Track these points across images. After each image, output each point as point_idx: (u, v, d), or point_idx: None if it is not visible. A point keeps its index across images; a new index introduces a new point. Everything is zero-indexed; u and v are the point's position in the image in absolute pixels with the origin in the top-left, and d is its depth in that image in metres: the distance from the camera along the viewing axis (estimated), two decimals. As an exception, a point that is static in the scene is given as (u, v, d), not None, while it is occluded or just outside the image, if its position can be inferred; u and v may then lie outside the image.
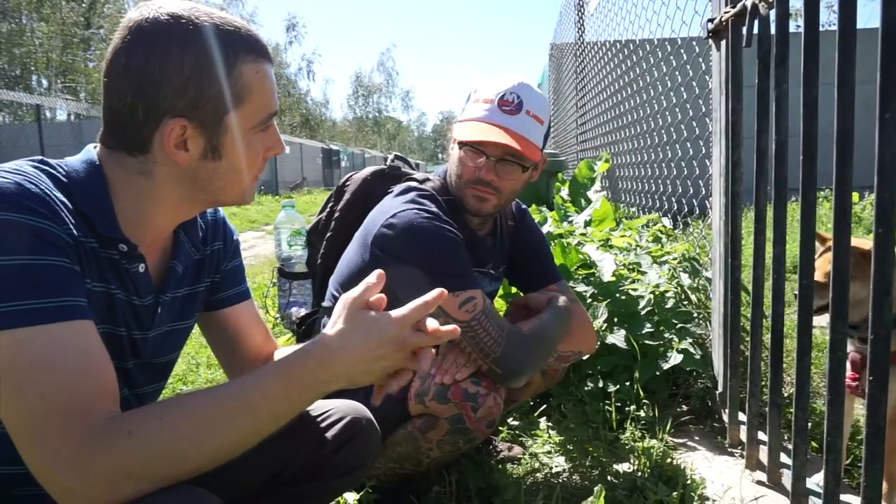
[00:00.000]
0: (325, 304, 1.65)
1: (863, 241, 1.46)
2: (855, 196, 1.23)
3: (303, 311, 1.86)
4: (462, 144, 1.52)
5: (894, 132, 1.04)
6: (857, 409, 1.94)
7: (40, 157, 0.91)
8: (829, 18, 11.27)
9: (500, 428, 2.02)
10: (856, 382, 1.55)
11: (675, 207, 3.16)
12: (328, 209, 1.83)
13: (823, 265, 1.53)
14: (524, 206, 1.86)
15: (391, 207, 1.48)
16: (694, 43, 2.54)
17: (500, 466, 1.84)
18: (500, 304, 2.29)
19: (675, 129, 3.00)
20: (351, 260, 1.57)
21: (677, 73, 2.87)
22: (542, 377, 1.77)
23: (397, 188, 1.58)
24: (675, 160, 3.14)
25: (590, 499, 1.29)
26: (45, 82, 28.99)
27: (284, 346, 1.26)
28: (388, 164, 1.81)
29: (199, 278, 1.10)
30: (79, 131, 15.77)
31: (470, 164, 1.51)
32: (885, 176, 1.07)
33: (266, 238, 8.84)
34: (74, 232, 0.84)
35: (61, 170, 0.89)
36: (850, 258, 1.23)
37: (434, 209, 1.47)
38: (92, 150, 0.94)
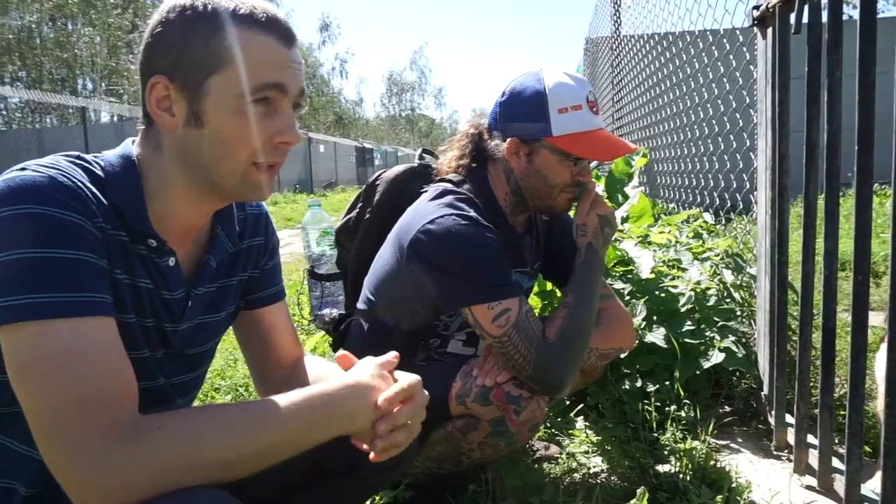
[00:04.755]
0: (360, 306, 1.64)
1: None
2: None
3: (335, 313, 1.85)
4: (578, 159, 1.48)
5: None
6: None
7: (77, 153, 0.91)
8: (883, 6, 10.85)
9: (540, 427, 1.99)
10: None
11: (717, 202, 3.08)
12: (358, 209, 1.81)
13: None
14: None
15: (428, 212, 1.44)
16: (738, 32, 2.46)
17: (536, 466, 1.81)
18: (534, 301, 2.25)
19: (718, 122, 2.91)
20: (385, 263, 1.56)
21: (719, 63, 2.79)
22: (581, 375, 1.72)
23: (432, 189, 1.54)
24: (716, 154, 3.05)
25: (632, 501, 1.25)
26: (90, 85, 29.86)
27: (311, 355, 1.25)
28: (417, 161, 1.78)
29: (234, 271, 1.09)
30: (122, 132, 16.21)
31: (571, 170, 1.49)
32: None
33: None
34: (104, 225, 0.84)
35: (97, 164, 0.90)
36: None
37: (472, 214, 1.43)
38: (129, 144, 0.95)
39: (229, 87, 0.86)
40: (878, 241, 4.03)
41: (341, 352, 1.04)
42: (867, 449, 1.74)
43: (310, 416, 0.86)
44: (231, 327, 1.19)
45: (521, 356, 1.37)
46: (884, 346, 1.28)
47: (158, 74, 0.87)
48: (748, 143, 2.27)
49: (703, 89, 3.31)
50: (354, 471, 1.15)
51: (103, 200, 0.86)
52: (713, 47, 2.85)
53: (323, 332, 2.51)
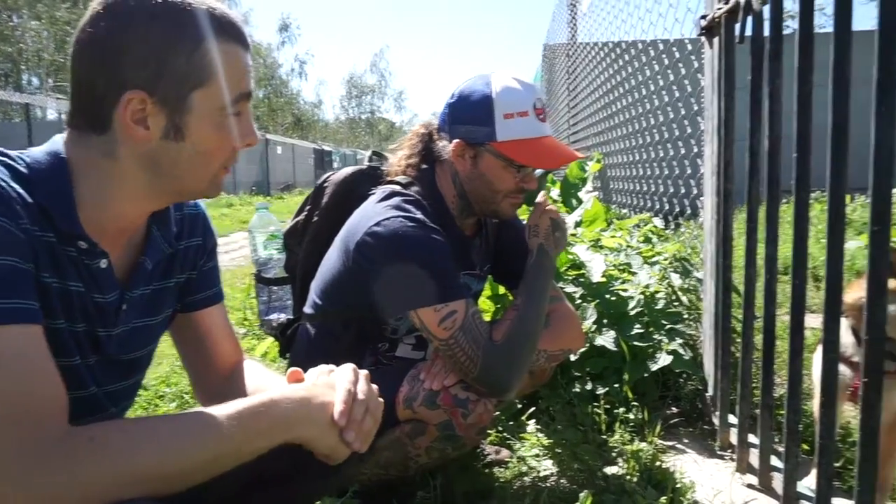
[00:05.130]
0: (307, 310, 1.61)
1: None
2: (846, 198, 1.20)
3: (283, 318, 1.82)
4: (522, 166, 1.48)
5: (889, 125, 1.01)
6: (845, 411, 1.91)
7: (0, 149, 0.87)
8: (820, 22, 11.34)
9: (488, 431, 1.99)
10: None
11: (667, 207, 3.14)
12: (306, 211, 1.78)
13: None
14: None
15: (375, 214, 1.43)
16: (686, 41, 2.52)
17: (486, 470, 1.80)
18: (486, 304, 2.25)
19: (667, 129, 2.98)
20: (332, 266, 1.53)
21: (669, 71, 2.85)
22: (530, 377, 1.73)
23: (380, 191, 1.53)
24: (666, 160, 3.12)
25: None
26: (35, 80, 28.76)
27: (251, 361, 1.22)
28: (367, 163, 1.77)
29: (171, 273, 1.06)
30: (68, 130, 15.58)
31: (515, 177, 1.49)
32: (881, 171, 1.04)
33: (256, 238, 8.75)
34: (30, 227, 0.80)
35: (22, 161, 0.85)
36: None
37: (420, 216, 1.43)
38: (58, 140, 0.90)
39: (213, 101, 0.86)
40: (818, 245, 4.18)
41: (292, 369, 1.01)
42: (805, 447, 1.79)
43: (253, 426, 0.84)
44: (168, 331, 1.15)
45: (467, 358, 1.36)
46: (820, 347, 1.31)
47: (136, 89, 0.83)
48: (696, 150, 2.33)
49: (654, 97, 3.38)
50: (298, 477, 1.12)
51: (28, 200, 0.81)
52: (663, 55, 2.91)
53: (271, 339, 2.45)
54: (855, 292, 1.41)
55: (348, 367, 0.97)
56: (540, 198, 1.60)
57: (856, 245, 4.29)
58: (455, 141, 1.49)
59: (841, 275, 1.22)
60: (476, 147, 1.48)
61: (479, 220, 1.67)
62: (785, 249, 1.62)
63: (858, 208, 5.69)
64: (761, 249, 1.55)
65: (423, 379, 1.44)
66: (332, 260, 1.55)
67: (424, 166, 1.59)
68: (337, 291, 1.54)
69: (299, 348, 1.64)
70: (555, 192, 4.11)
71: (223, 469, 0.82)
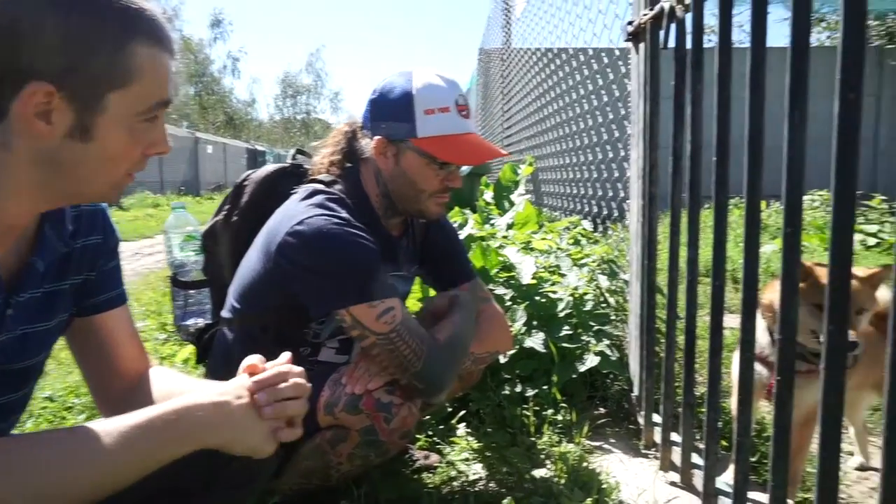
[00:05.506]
0: (224, 314, 1.53)
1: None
2: (762, 204, 1.25)
3: (201, 323, 1.73)
4: (444, 163, 1.45)
5: (802, 130, 1.04)
6: (761, 408, 1.98)
7: None
8: (738, 37, 11.95)
9: (418, 436, 1.95)
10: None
11: (596, 210, 3.20)
12: (225, 211, 1.70)
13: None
14: None
15: (297, 212, 1.37)
16: (615, 50, 2.56)
17: (415, 476, 1.77)
18: (415, 306, 2.21)
19: (596, 133, 3.04)
20: (252, 268, 1.46)
21: (598, 76, 2.90)
22: (459, 380, 1.71)
23: (302, 190, 1.47)
24: (595, 163, 3.18)
25: None
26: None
27: (161, 368, 1.14)
28: (290, 161, 1.70)
29: (66, 274, 0.97)
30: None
31: (438, 175, 1.46)
32: (794, 174, 1.07)
33: (182, 240, 8.43)
34: None
35: None
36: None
37: (344, 214, 1.38)
38: None
39: (130, 106, 0.81)
40: (737, 249, 4.38)
41: (249, 362, 0.96)
42: (724, 443, 1.84)
43: (162, 435, 0.80)
44: (64, 337, 1.06)
45: (411, 352, 1.34)
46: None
47: (43, 81, 0.75)
48: (623, 154, 2.37)
49: (584, 101, 3.45)
50: (211, 487, 1.06)
51: None
52: (592, 60, 2.96)
53: (189, 346, 2.33)
54: (769, 293, 1.46)
55: (284, 355, 0.98)
56: None
57: (771, 249, 4.52)
58: (376, 138, 1.45)
59: (757, 277, 1.26)
60: (397, 144, 1.45)
61: (405, 220, 1.64)
62: (706, 253, 1.66)
63: (773, 214, 6.00)
64: (684, 252, 1.58)
65: (345, 383, 1.40)
66: (251, 261, 1.48)
67: (349, 165, 1.55)
68: (256, 294, 1.47)
69: (217, 354, 1.56)
70: (488, 195, 4.13)
71: (130, 480, 0.79)
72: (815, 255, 4.84)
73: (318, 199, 1.42)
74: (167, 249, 1.83)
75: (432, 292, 2.20)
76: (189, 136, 22.44)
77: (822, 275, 1.22)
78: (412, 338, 1.34)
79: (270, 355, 1.49)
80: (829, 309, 0.97)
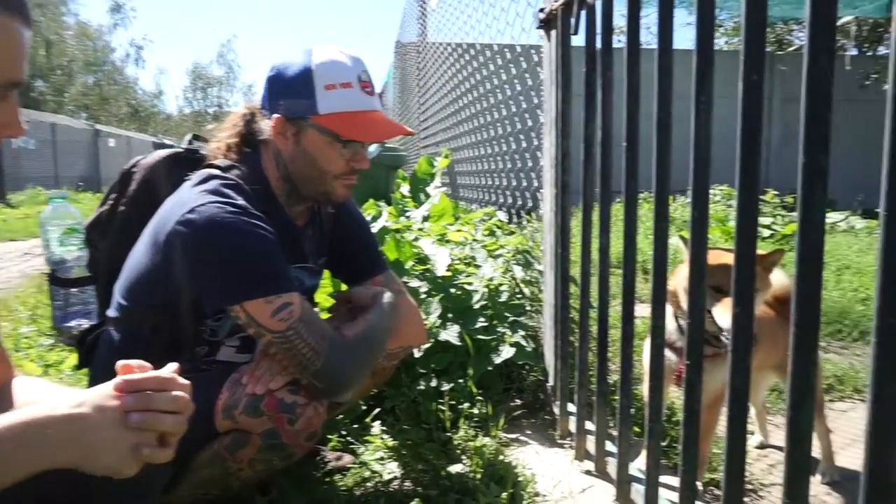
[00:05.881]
0: (111, 314, 1.39)
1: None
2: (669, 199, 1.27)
3: (85, 324, 1.57)
4: (348, 141, 1.35)
5: (707, 115, 1.04)
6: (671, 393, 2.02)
7: None
8: (646, 38, 12.50)
9: (330, 436, 1.87)
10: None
11: (511, 201, 3.20)
12: (111, 200, 1.55)
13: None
14: None
15: (189, 200, 1.26)
16: (527, 36, 2.56)
17: (326, 479, 1.69)
18: (325, 301, 2.11)
19: (510, 123, 3.03)
20: (139, 261, 1.33)
21: (511, 65, 2.90)
22: (371, 377, 1.64)
23: (195, 176, 1.36)
24: (509, 153, 3.17)
25: None
26: None
27: (26, 377, 1.01)
28: (184, 145, 1.57)
29: None
30: None
31: (342, 154, 1.37)
32: (700, 159, 1.07)
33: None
34: None
35: None
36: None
37: (240, 202, 1.28)
38: None
39: None
40: (646, 241, 4.54)
41: (123, 363, 0.82)
42: (636, 429, 1.86)
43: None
44: None
45: (310, 350, 1.26)
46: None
47: None
48: (536, 143, 2.37)
49: (497, 91, 3.44)
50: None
51: None
52: (506, 50, 2.95)
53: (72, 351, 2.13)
54: (673, 281, 1.47)
55: (170, 365, 0.84)
56: None
57: (677, 241, 4.70)
58: (274, 117, 1.36)
59: (666, 265, 1.26)
60: (297, 122, 1.35)
61: (311, 208, 1.55)
62: (617, 246, 1.67)
63: (679, 208, 6.28)
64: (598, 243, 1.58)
65: (245, 383, 1.30)
66: (139, 254, 1.35)
67: (248, 150, 1.44)
68: (144, 290, 1.34)
69: (101, 358, 1.42)
70: (404, 187, 4.07)
71: None
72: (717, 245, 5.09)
73: (213, 184, 1.31)
74: (44, 244, 1.66)
75: (344, 287, 2.12)
76: (88, 129, 21.05)
77: (713, 257, 1.25)
78: (312, 335, 1.26)
79: (163, 357, 1.37)
80: (735, 292, 0.97)
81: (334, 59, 1.34)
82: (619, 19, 1.46)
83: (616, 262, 2.62)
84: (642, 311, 1.86)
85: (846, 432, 2.21)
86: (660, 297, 1.26)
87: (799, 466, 0.84)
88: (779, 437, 2.13)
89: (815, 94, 0.79)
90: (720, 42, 15.01)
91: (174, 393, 0.79)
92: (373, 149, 1.59)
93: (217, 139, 1.48)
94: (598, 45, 1.50)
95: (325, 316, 1.70)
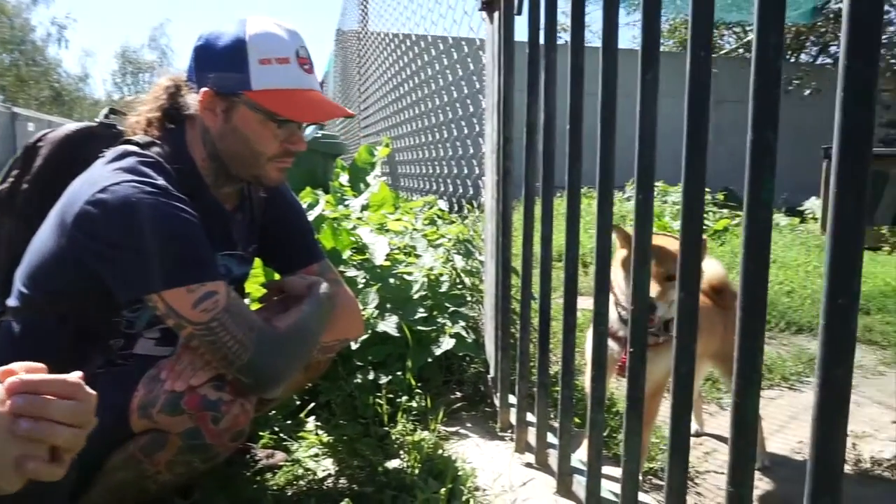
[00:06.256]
0: (10, 303, 1.26)
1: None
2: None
3: None
4: (284, 121, 1.26)
5: (653, 92, 1.01)
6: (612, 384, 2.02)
7: None
8: (589, 38, 12.76)
9: (261, 433, 1.77)
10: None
11: (452, 189, 3.15)
12: (13, 178, 1.40)
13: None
14: None
15: (101, 178, 1.15)
16: (470, 25, 2.51)
17: (257, 478, 1.59)
18: (255, 291, 2.01)
19: (451, 109, 2.98)
20: (44, 245, 1.21)
21: (453, 50, 2.84)
22: (304, 371, 1.55)
23: (110, 153, 1.24)
24: (451, 141, 3.12)
25: None
26: None
27: None
28: (99, 120, 1.44)
29: None
30: None
31: (276, 135, 1.27)
32: (646, 139, 1.04)
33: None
34: None
35: None
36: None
37: (160, 182, 1.17)
38: None
39: None
40: (587, 235, 4.59)
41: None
42: (577, 421, 1.85)
43: None
44: None
45: (236, 343, 1.16)
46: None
47: None
48: (478, 129, 2.32)
49: (439, 76, 3.38)
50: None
51: None
52: (447, 33, 2.89)
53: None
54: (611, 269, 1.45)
55: (75, 373, 0.71)
56: None
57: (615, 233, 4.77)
58: (202, 91, 1.25)
59: (609, 251, 1.24)
60: (228, 98, 1.25)
61: (242, 191, 1.45)
62: (559, 238, 1.64)
63: (618, 203, 6.40)
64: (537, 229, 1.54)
65: (164, 379, 1.20)
66: (43, 237, 1.22)
67: (171, 126, 1.32)
68: (49, 276, 1.22)
69: (1, 352, 1.28)
70: (343, 177, 3.96)
71: None
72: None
73: (129, 162, 1.20)
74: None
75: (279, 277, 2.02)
76: (4, 112, 19.75)
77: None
78: (238, 327, 1.17)
79: (71, 351, 1.25)
80: (681, 276, 0.94)
81: (270, 32, 1.24)
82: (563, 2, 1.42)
83: (557, 256, 2.62)
84: (583, 304, 1.85)
85: (775, 419, 2.27)
86: (602, 284, 1.23)
87: (743, 453, 0.82)
88: (713, 425, 2.17)
89: (762, 72, 0.77)
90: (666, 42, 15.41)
91: (75, 402, 0.67)
92: (309, 131, 1.49)
93: (136, 112, 1.36)
94: (542, 22, 1.45)
95: (255, 307, 1.61)
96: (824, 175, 5.80)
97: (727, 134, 11.51)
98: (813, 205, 7.69)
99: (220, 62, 1.24)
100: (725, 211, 6.80)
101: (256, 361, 1.19)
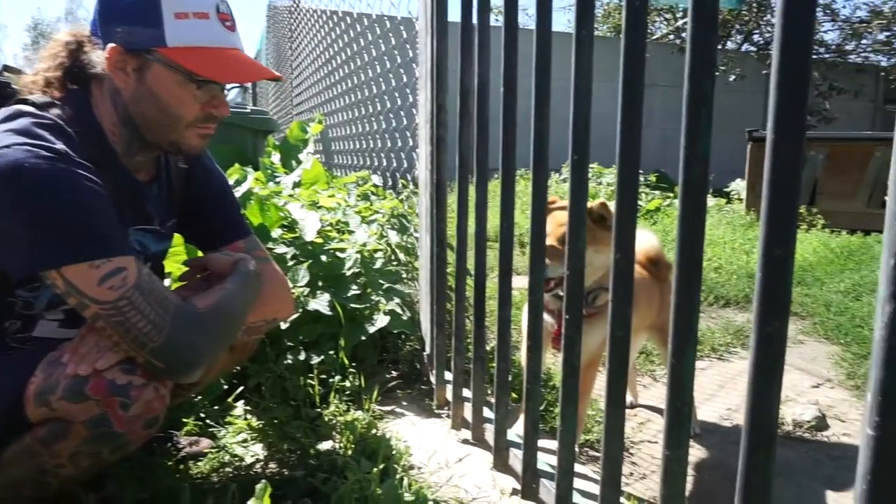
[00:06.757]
0: None
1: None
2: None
3: None
4: (204, 81, 1.15)
5: (588, 48, 0.97)
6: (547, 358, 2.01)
7: None
8: (524, 20, 12.79)
9: (186, 419, 1.67)
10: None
11: (385, 164, 3.07)
12: None
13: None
14: None
15: None
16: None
17: (180, 467, 1.50)
18: (175, 269, 1.89)
19: (385, 81, 2.89)
20: None
21: (386, 20, 2.75)
22: (230, 353, 1.46)
23: (1, 112, 1.11)
24: (384, 113, 3.03)
25: (251, 501, 1.04)
26: None
27: None
28: None
29: None
30: None
31: (196, 97, 1.16)
32: (580, 102, 1.00)
33: None
34: None
35: None
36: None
37: (59, 146, 1.05)
38: None
39: None
40: (523, 216, 4.60)
41: None
42: (515, 396, 1.83)
43: None
44: None
45: (148, 323, 1.06)
46: (527, 305, 1.29)
47: None
48: (411, 100, 2.25)
49: (371, 47, 3.28)
50: None
51: None
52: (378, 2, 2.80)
53: None
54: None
55: None
56: None
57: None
58: (110, 47, 1.12)
59: (544, 213, 1.20)
60: (140, 55, 1.13)
61: (158, 160, 1.33)
62: (494, 218, 1.59)
63: (553, 184, 6.47)
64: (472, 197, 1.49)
65: (65, 362, 1.08)
66: None
67: (74, 86, 1.20)
68: None
69: None
70: (275, 157, 3.80)
71: None
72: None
73: (22, 123, 1.07)
74: None
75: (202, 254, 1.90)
76: None
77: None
78: (151, 307, 1.07)
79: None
80: (616, 238, 0.92)
81: None
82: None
83: (494, 236, 2.59)
84: (520, 282, 1.83)
85: (704, 388, 2.33)
86: (538, 248, 1.19)
87: (679, 414, 0.80)
88: (647, 397, 2.21)
89: (700, 19, 0.74)
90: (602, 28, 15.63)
91: None
92: (232, 95, 1.37)
93: (33, 70, 1.22)
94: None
95: (177, 286, 1.50)
96: (749, 157, 6.02)
97: (658, 119, 11.87)
98: (738, 186, 8.00)
99: (130, 15, 1.12)
100: (657, 192, 6.99)
101: (172, 343, 1.09)
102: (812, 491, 1.67)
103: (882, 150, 5.75)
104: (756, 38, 13.72)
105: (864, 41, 13.74)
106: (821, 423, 2.01)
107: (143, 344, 1.07)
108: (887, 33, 13.36)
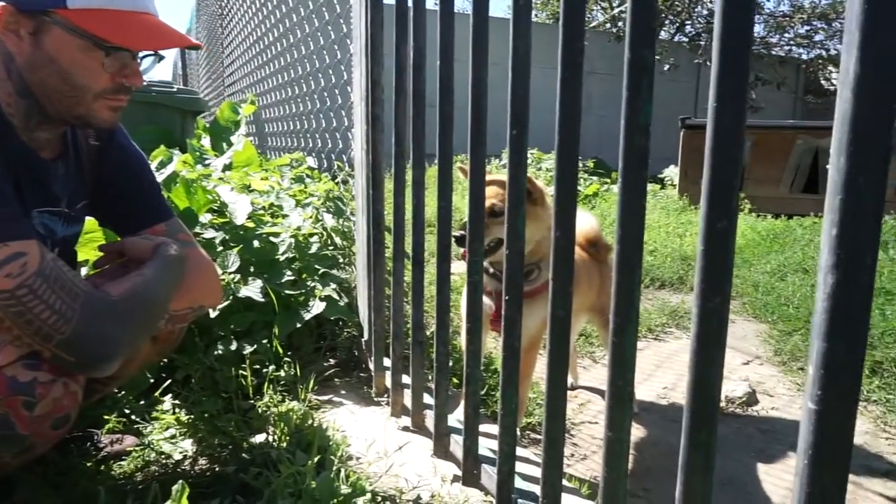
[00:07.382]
0: None
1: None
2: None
3: None
4: (112, 48, 1.04)
5: (527, 20, 0.93)
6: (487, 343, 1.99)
7: None
8: (463, 5, 12.77)
9: (107, 416, 1.56)
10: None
11: (320, 145, 2.97)
12: None
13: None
14: None
15: None
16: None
17: (101, 468, 1.40)
18: (91, 254, 1.76)
19: (318, 58, 2.79)
20: None
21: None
22: (153, 344, 1.37)
23: None
24: (318, 91, 2.93)
25: (168, 502, 0.97)
26: None
27: None
28: None
29: None
30: None
31: (105, 65, 1.06)
32: (518, 71, 0.96)
33: None
34: None
35: None
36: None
37: None
38: None
39: None
40: (458, 197, 4.59)
41: None
42: (455, 382, 1.80)
43: None
44: None
45: (54, 313, 0.97)
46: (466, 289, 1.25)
47: None
48: (346, 77, 2.17)
49: (304, 23, 3.16)
50: None
51: None
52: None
53: None
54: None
55: None
56: None
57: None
58: (1, 5, 1.01)
59: (483, 194, 1.16)
60: (36, 17, 1.02)
61: (64, 136, 1.22)
62: (432, 201, 1.55)
63: (494, 170, 6.48)
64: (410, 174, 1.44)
65: None
66: None
67: None
68: None
69: None
70: (206, 140, 3.63)
71: None
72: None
73: None
74: None
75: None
76: None
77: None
78: (56, 295, 0.97)
79: None
80: (557, 217, 0.89)
81: None
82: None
83: (431, 217, 2.55)
84: (457, 268, 1.79)
85: (642, 369, 2.37)
86: (477, 229, 1.16)
87: (622, 394, 0.78)
88: (587, 378, 2.22)
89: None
90: (540, 15, 15.76)
91: None
92: (146, 64, 1.24)
93: None
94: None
95: (93, 273, 1.38)
96: (682, 144, 6.19)
97: (596, 106, 12.09)
98: (671, 172, 8.24)
99: None
100: (595, 178, 7.11)
101: (81, 334, 1.00)
102: (744, 465, 1.71)
103: (804, 137, 6.03)
104: (688, 28, 14.15)
105: (786, 34, 14.40)
106: (751, 399, 2.07)
107: (49, 336, 0.98)
108: (807, 27, 14.04)
